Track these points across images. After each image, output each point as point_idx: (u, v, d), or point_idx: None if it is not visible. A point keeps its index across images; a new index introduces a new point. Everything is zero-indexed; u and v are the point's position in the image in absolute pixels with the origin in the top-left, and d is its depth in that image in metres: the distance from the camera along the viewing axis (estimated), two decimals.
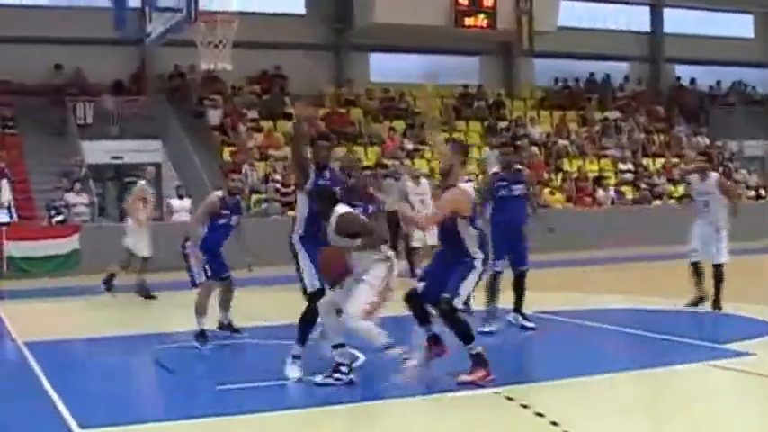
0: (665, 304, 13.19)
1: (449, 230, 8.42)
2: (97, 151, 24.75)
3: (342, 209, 8.21)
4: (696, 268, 12.57)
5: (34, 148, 24.45)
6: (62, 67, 26.52)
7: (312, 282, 8.55)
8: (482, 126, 29.44)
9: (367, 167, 9.72)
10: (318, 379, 8.21)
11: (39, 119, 25.13)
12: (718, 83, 35.44)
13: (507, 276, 11.20)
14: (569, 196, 26.78)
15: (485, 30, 29.20)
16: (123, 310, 15.02)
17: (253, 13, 26.58)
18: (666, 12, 34.84)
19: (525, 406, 7.37)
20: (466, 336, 8.33)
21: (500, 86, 31.98)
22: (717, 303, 12.32)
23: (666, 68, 35.06)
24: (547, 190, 26.24)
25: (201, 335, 10.50)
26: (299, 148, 8.83)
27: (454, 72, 31.51)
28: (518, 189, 11.00)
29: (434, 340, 8.70)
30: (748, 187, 29.87)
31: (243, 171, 22.86)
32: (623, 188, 28.12)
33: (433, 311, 8.51)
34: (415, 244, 17.26)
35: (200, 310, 10.62)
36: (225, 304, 11.22)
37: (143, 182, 16.33)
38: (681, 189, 28.64)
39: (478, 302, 11.06)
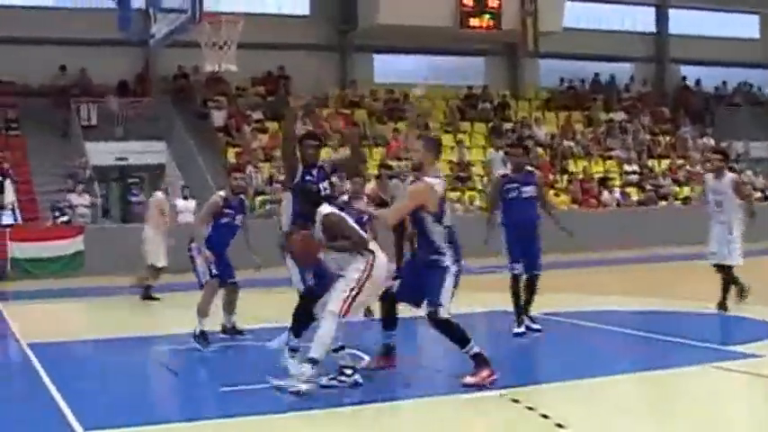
0: (670, 306, 13.14)
1: (417, 228, 8.37)
2: (102, 152, 24.76)
3: (326, 209, 8.14)
4: (719, 270, 12.48)
5: (38, 149, 24.46)
6: (66, 68, 26.52)
7: (297, 282, 8.60)
8: (487, 127, 29.41)
9: (357, 174, 9.64)
10: (323, 381, 8.16)
11: (43, 120, 25.16)
12: (724, 83, 35.38)
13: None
14: (574, 197, 26.74)
15: (490, 31, 29.15)
16: (127, 311, 14.99)
17: (257, 14, 26.63)
18: (672, 12, 34.78)
19: (530, 408, 7.34)
20: (461, 340, 8.30)
21: (505, 87, 31.96)
22: (722, 305, 12.25)
23: (672, 69, 35.01)
24: (552, 191, 26.19)
25: (202, 336, 10.44)
26: (287, 146, 8.88)
27: (459, 73, 31.55)
28: (529, 191, 10.89)
29: (386, 351, 8.65)
30: (754, 189, 29.79)
31: (247, 172, 22.83)
32: (628, 189, 28.08)
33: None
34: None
35: (203, 312, 10.58)
36: (229, 307, 11.17)
37: (159, 192, 16.33)
38: (686, 190, 28.62)
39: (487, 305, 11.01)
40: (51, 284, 18.85)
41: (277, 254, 8.85)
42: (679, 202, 28.08)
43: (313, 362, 7.77)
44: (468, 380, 8.12)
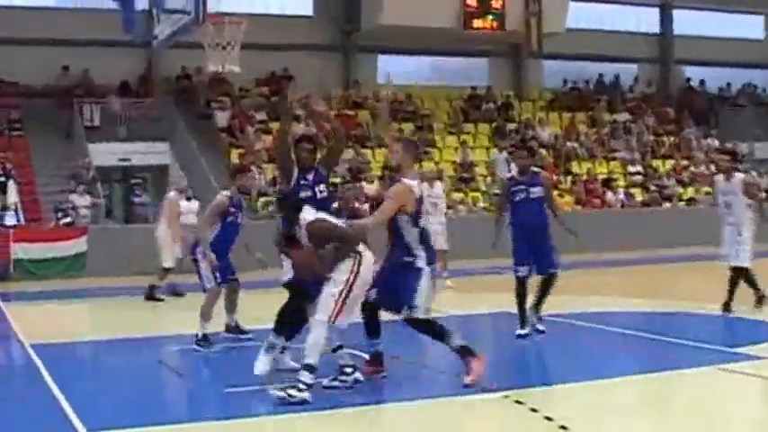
0: (674, 307, 13.10)
1: (391, 228, 8.34)
2: (104, 153, 24.75)
3: (309, 215, 8.08)
4: (732, 271, 12.41)
5: (41, 149, 24.46)
6: (69, 68, 26.52)
7: (282, 276, 8.64)
8: (490, 128, 29.37)
9: (348, 181, 9.58)
10: (325, 382, 8.14)
11: (46, 120, 25.16)
12: (728, 84, 35.33)
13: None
14: (578, 198, 26.70)
15: (493, 31, 29.09)
16: (130, 312, 14.98)
17: (261, 15, 26.64)
18: (676, 13, 34.73)
19: (534, 410, 7.31)
20: (441, 335, 8.33)
21: (509, 88, 31.92)
22: (727, 306, 12.19)
23: (676, 70, 34.96)
24: (556, 192, 26.15)
25: (204, 339, 10.46)
26: (281, 148, 8.90)
27: (462, 74, 31.56)
28: (536, 192, 10.85)
29: (374, 358, 8.62)
30: (759, 190, 29.74)
31: (251, 173, 22.79)
32: (632, 190, 28.04)
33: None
34: None
35: (206, 315, 10.60)
36: (231, 306, 11.22)
37: (173, 193, 16.30)
38: (690, 191, 28.57)
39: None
40: (54, 285, 18.82)
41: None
42: (683, 203, 28.03)
43: (310, 368, 7.70)
44: (468, 380, 8.11)
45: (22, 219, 21.46)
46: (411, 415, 7.66)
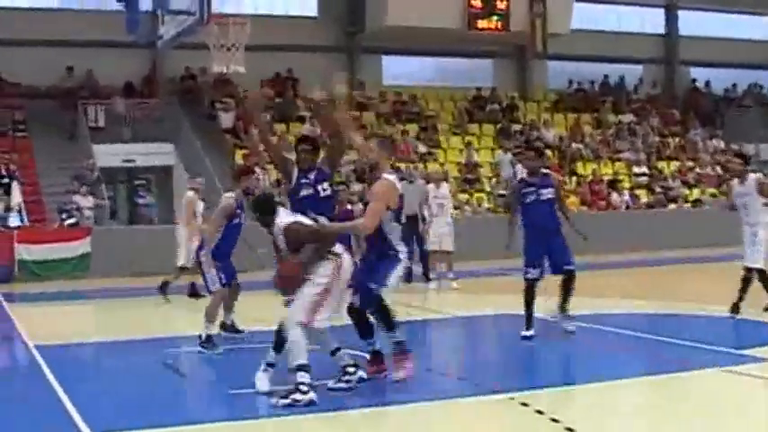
0: (680, 308, 13.05)
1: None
2: (109, 154, 24.71)
3: (285, 218, 8.03)
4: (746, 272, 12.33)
5: (45, 150, 24.46)
6: (73, 69, 26.52)
7: None
8: (495, 129, 29.33)
9: (341, 183, 9.47)
10: (330, 384, 8.13)
11: (50, 121, 25.15)
12: (734, 85, 35.23)
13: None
14: (583, 200, 26.64)
15: (498, 32, 29.07)
16: (134, 313, 14.97)
17: (265, 16, 26.66)
18: (681, 14, 34.65)
19: (540, 412, 7.27)
20: (391, 324, 8.36)
21: (513, 89, 31.89)
22: (735, 307, 12.11)
23: (681, 71, 34.88)
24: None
25: (209, 340, 10.46)
26: (274, 151, 8.95)
27: (467, 75, 31.54)
28: (547, 193, 10.79)
29: (375, 357, 8.58)
30: None
31: (255, 174, 22.75)
32: (638, 192, 27.98)
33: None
34: (430, 247, 17.15)
35: (211, 316, 10.61)
36: (230, 306, 11.28)
37: (191, 193, 16.26)
38: (696, 192, 28.51)
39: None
40: (58, 286, 18.81)
41: None
42: (688, 204, 27.96)
43: (303, 368, 7.66)
44: (397, 375, 8.18)
45: (26, 220, 21.46)
46: (416, 416, 7.63)
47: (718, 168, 29.88)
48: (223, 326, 11.22)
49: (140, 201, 25.81)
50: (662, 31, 34.84)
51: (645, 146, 30.16)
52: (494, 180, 26.92)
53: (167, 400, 8.40)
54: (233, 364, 10.06)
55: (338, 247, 8.01)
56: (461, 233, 17.40)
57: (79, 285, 19.10)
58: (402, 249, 8.35)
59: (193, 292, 15.58)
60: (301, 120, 26.81)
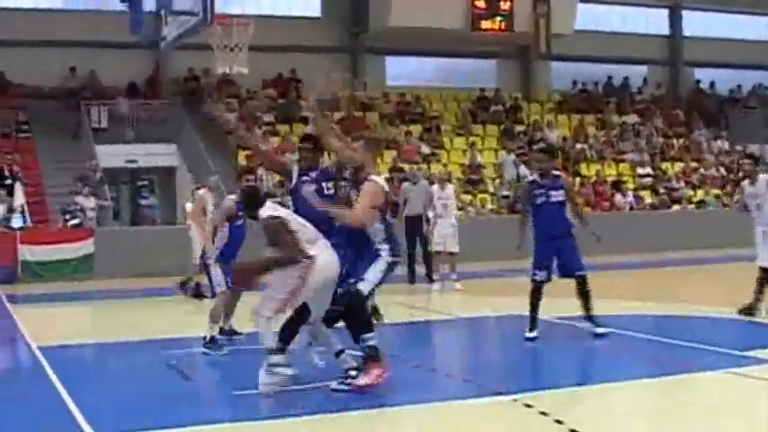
0: (684, 310, 13.01)
1: (345, 228, 8.21)
2: (112, 155, 24.70)
3: (266, 211, 8.05)
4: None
5: (48, 151, 24.46)
6: (76, 70, 26.52)
7: None
8: (499, 130, 29.30)
9: (345, 179, 9.45)
10: (333, 385, 8.13)
11: (53, 122, 25.14)
12: (739, 86, 35.18)
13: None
14: (587, 201, 26.57)
15: (502, 33, 29.02)
16: (138, 314, 14.95)
17: (268, 17, 26.61)
18: (685, 14, 34.60)
19: (544, 413, 7.25)
20: (366, 326, 8.15)
21: (517, 90, 31.85)
22: (749, 309, 12.01)
23: (686, 72, 34.82)
24: None
25: (212, 341, 10.47)
26: (266, 157, 8.98)
27: (471, 76, 31.50)
28: (557, 195, 10.73)
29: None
30: None
31: (258, 175, 22.75)
32: (642, 193, 27.93)
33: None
34: (434, 248, 17.11)
35: (215, 318, 10.62)
36: (230, 310, 11.22)
37: (203, 190, 16.23)
38: (700, 194, 28.45)
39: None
40: (61, 287, 18.81)
41: None
42: (693, 205, 27.91)
43: (272, 351, 7.83)
44: (361, 380, 8.02)
45: (29, 221, 21.43)
46: (419, 418, 7.60)
47: (723, 169, 29.83)
48: (221, 330, 11.17)
49: (143, 202, 25.77)
50: (666, 31, 34.79)
51: (649, 147, 30.10)
52: (497, 181, 26.88)
53: (171, 402, 8.37)
54: (236, 366, 10.03)
55: (314, 249, 7.95)
56: (464, 234, 17.35)
57: (82, 286, 19.09)
58: (385, 248, 8.23)
59: (198, 293, 15.56)
60: (304, 120, 26.75)
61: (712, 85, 34.72)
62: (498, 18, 28.69)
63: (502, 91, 31.07)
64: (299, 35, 28.44)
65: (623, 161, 29.33)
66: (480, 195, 25.91)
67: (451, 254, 16.99)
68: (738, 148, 31.04)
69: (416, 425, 7.56)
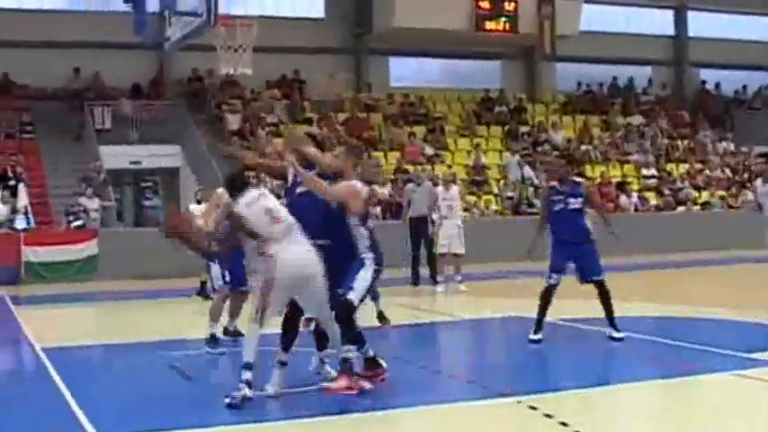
0: (690, 312, 12.96)
1: (339, 229, 8.14)
2: (115, 156, 24.73)
3: (246, 200, 8.01)
4: None
5: (52, 152, 24.48)
6: (80, 71, 26.52)
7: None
8: (503, 131, 29.26)
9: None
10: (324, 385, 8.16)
11: (57, 123, 25.19)
12: (744, 87, 35.12)
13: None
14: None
15: (506, 34, 29.00)
16: (141, 315, 14.93)
17: (272, 18, 26.61)
18: (691, 15, 34.56)
19: (548, 415, 7.20)
20: (355, 338, 8.07)
21: (522, 91, 31.81)
22: None
23: (691, 72, 34.77)
24: None
25: (213, 339, 10.49)
26: (268, 169, 8.99)
27: (475, 76, 31.47)
28: (575, 202, 10.60)
29: (369, 363, 8.48)
30: None
31: (261, 176, 22.70)
32: (646, 194, 27.88)
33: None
34: (439, 250, 17.07)
35: (215, 316, 10.64)
36: (235, 312, 11.19)
37: (221, 189, 16.16)
38: (705, 195, 28.38)
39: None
40: (65, 288, 18.82)
41: None
42: (698, 207, 27.85)
43: (245, 366, 7.74)
44: (331, 384, 8.00)
45: (32, 222, 21.44)
46: (422, 420, 7.57)
47: (728, 171, 29.77)
48: (225, 331, 11.14)
49: (147, 203, 25.81)
50: (671, 32, 34.74)
51: (654, 148, 30.06)
52: (501, 182, 26.83)
53: (174, 403, 8.33)
54: (239, 367, 9.98)
55: (276, 247, 7.87)
56: (468, 236, 17.30)
57: (86, 287, 19.10)
58: (370, 256, 8.15)
59: (203, 292, 15.58)
60: (308, 121, 26.75)
61: (717, 86, 34.67)
62: (503, 19, 28.68)
63: (506, 92, 31.04)
64: (302, 36, 28.44)
65: (628, 162, 29.29)
66: (484, 197, 25.87)
67: (456, 255, 16.93)
68: (744, 149, 30.99)
69: (420, 427, 7.53)
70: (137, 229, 24.08)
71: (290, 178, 8.64)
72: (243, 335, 11.03)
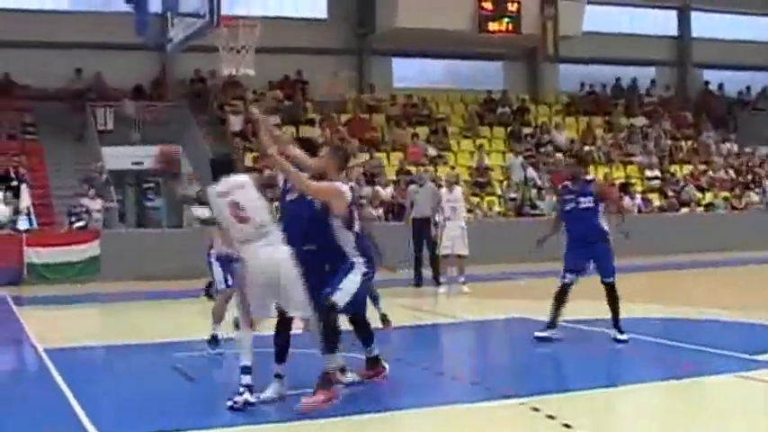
0: (693, 313, 12.94)
1: (330, 235, 8.05)
2: (118, 157, 24.69)
3: (220, 187, 7.95)
4: None
5: (54, 153, 24.49)
6: (82, 71, 26.52)
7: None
8: (506, 132, 29.24)
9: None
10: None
11: (59, 124, 25.20)
12: (748, 88, 35.07)
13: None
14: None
15: (509, 35, 28.99)
16: (143, 316, 14.93)
17: (275, 18, 26.60)
18: (694, 15, 34.52)
19: (551, 417, 7.18)
20: (332, 344, 7.85)
21: (524, 92, 31.79)
22: None
23: (694, 73, 34.73)
24: None
25: (213, 339, 10.51)
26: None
27: (478, 77, 31.45)
28: (586, 201, 10.57)
29: (370, 362, 8.50)
30: None
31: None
32: (650, 195, 27.85)
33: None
34: (442, 252, 17.04)
35: (217, 317, 10.64)
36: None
37: None
38: (709, 196, 28.34)
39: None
40: (67, 289, 18.83)
41: None
42: (701, 208, 27.81)
43: (243, 369, 7.75)
44: (308, 400, 7.66)
45: (34, 223, 21.44)
46: (425, 421, 7.55)
47: (732, 172, 29.72)
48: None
49: (149, 204, 25.77)
50: (674, 33, 34.71)
51: (657, 149, 30.03)
52: (504, 183, 26.80)
53: (177, 405, 8.32)
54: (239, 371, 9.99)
55: (243, 250, 7.84)
56: (471, 237, 17.27)
57: (88, 288, 19.11)
58: (358, 260, 8.05)
59: (208, 293, 15.58)
60: (310, 123, 26.76)
61: (721, 86, 34.62)
62: (505, 20, 28.67)
63: (509, 93, 31.02)
64: (305, 37, 28.42)
65: (631, 163, 29.26)
66: (487, 198, 25.85)
67: (460, 257, 16.90)
68: (747, 150, 30.95)
69: (423, 428, 7.51)
70: (139, 229, 24.06)
71: (281, 182, 8.60)
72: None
